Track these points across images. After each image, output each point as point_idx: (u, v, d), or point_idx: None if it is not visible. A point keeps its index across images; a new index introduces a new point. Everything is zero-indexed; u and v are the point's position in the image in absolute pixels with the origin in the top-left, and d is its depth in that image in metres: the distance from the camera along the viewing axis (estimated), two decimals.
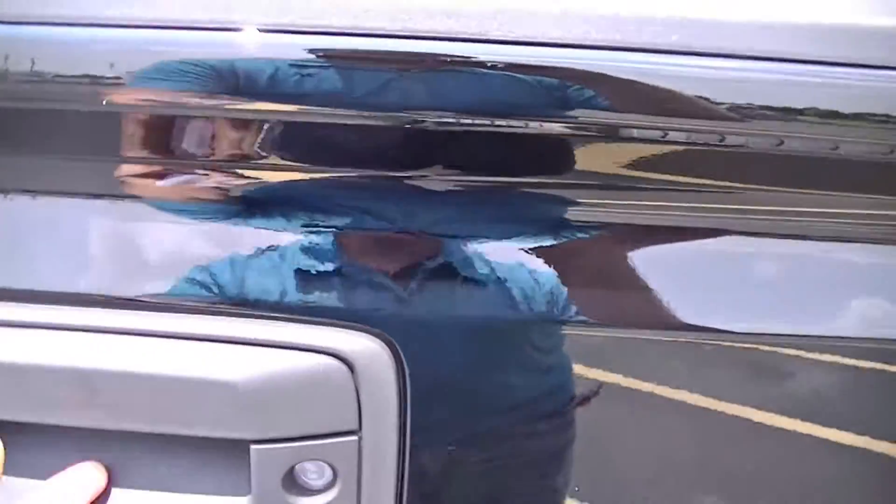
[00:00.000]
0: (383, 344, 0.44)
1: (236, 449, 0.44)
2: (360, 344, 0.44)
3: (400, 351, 0.44)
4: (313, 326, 0.44)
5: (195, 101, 0.43)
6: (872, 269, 0.49)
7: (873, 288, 0.49)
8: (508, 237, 0.46)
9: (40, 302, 0.45)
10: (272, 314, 0.44)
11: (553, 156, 0.46)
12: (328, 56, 0.42)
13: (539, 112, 0.43)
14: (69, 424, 0.44)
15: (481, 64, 0.42)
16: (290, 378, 0.43)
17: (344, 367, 0.43)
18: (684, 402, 0.48)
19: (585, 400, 0.48)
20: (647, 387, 0.48)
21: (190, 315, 0.44)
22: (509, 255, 0.46)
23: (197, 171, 0.46)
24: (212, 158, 0.46)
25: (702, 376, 0.48)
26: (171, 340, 0.43)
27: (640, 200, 0.47)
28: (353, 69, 0.42)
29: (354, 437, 0.44)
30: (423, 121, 0.43)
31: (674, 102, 0.43)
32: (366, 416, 0.44)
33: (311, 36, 0.42)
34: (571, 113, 0.43)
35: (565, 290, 0.46)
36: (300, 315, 0.44)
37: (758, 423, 0.49)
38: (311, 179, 0.46)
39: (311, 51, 0.42)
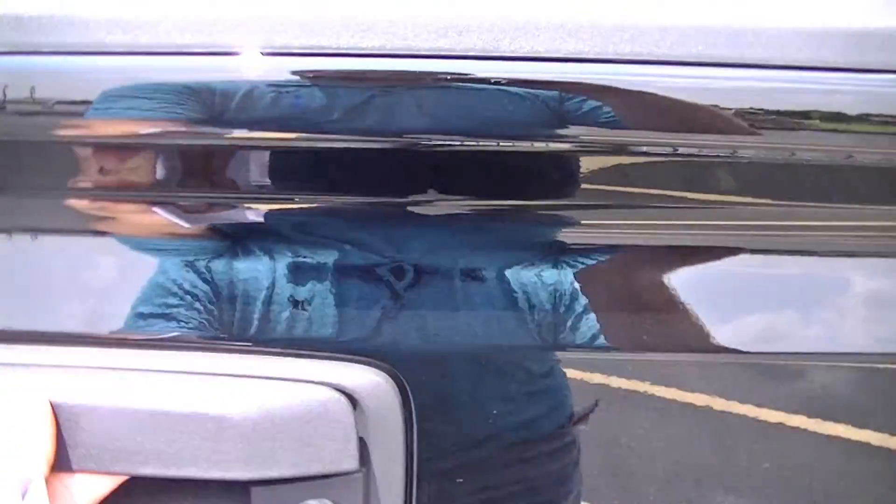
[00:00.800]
0: (388, 377, 0.42)
1: (237, 490, 0.42)
2: (363, 377, 0.42)
3: (406, 384, 0.43)
4: (314, 360, 0.42)
5: (180, 129, 0.41)
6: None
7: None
8: (515, 262, 0.45)
9: (17, 341, 0.43)
10: (272, 349, 0.43)
11: (568, 176, 0.45)
12: (323, 78, 0.40)
13: (543, 131, 0.41)
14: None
15: (482, 81, 0.40)
16: (290, 414, 0.41)
17: (347, 402, 0.41)
18: (692, 404, 0.47)
19: (586, 418, 0.47)
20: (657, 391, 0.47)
21: (187, 351, 0.42)
22: (517, 281, 0.45)
23: (189, 203, 0.45)
24: (202, 190, 0.44)
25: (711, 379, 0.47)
26: (164, 375, 0.41)
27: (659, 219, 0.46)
28: (348, 90, 0.40)
29: (359, 474, 0.43)
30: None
31: (682, 116, 0.42)
32: (371, 451, 0.43)
33: (306, 58, 0.40)
34: (577, 131, 0.42)
35: (577, 314, 0.45)
36: (301, 349, 0.43)
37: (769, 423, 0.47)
38: (309, 208, 0.44)
39: (306, 73, 0.40)
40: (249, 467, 0.40)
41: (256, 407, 0.40)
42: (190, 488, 0.43)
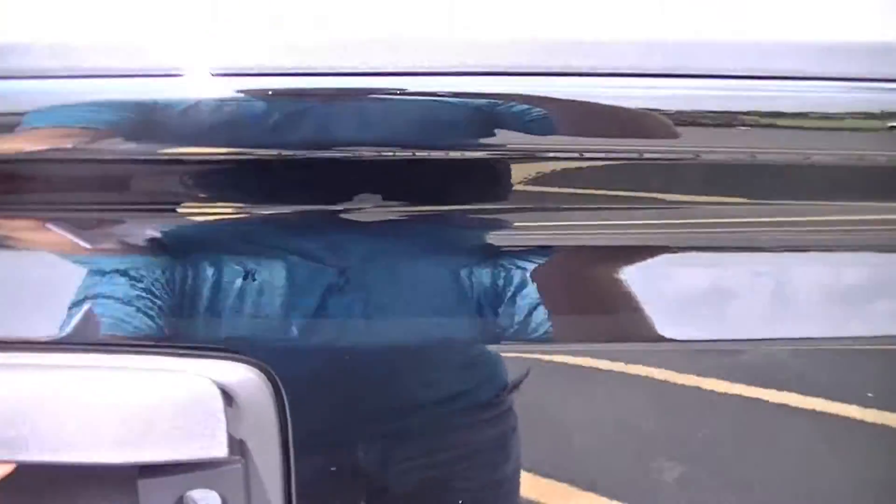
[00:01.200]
0: (261, 373, 0.44)
1: (126, 484, 0.45)
2: (239, 374, 0.44)
3: (278, 380, 0.45)
4: (193, 358, 0.44)
5: (120, 145, 0.43)
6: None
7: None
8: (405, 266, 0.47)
9: None
10: (154, 347, 0.45)
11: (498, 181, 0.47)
12: (263, 96, 0.42)
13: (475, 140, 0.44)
14: None
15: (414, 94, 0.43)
16: (169, 408, 0.43)
17: (223, 397, 0.43)
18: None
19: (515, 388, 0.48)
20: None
21: (75, 349, 0.45)
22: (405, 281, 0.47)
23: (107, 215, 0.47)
24: (124, 203, 0.47)
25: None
26: (47, 369, 0.44)
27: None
28: (288, 106, 0.43)
29: (238, 465, 0.45)
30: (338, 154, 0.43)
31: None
32: (249, 443, 0.45)
33: (246, 78, 0.43)
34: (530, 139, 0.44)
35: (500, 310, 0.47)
36: (182, 347, 0.45)
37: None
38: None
39: (248, 92, 0.42)
40: (123, 451, 0.42)
41: (130, 395, 0.42)
42: (81, 486, 0.46)
